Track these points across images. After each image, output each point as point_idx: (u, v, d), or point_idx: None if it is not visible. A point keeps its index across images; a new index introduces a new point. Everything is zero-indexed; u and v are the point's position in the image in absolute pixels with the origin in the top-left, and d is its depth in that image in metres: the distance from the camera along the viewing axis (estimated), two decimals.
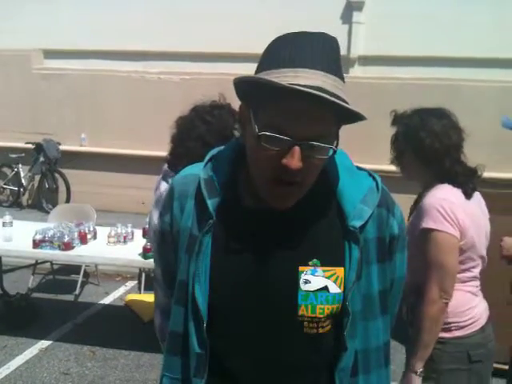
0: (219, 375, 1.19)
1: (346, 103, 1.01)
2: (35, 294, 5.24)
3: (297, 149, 1.02)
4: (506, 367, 3.55)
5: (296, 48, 1.03)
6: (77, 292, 5.19)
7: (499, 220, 3.86)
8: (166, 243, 1.30)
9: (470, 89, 6.98)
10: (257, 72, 1.08)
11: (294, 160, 1.02)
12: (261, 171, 1.08)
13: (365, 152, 6.14)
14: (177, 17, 7.91)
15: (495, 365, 3.87)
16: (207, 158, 1.26)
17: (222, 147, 1.28)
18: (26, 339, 4.32)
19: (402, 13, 7.29)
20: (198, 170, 1.23)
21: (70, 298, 5.18)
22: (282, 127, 1.02)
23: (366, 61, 7.66)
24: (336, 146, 1.07)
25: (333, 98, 0.96)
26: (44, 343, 4.33)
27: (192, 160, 2.10)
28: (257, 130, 1.03)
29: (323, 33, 1.06)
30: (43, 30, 8.39)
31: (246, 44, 7.23)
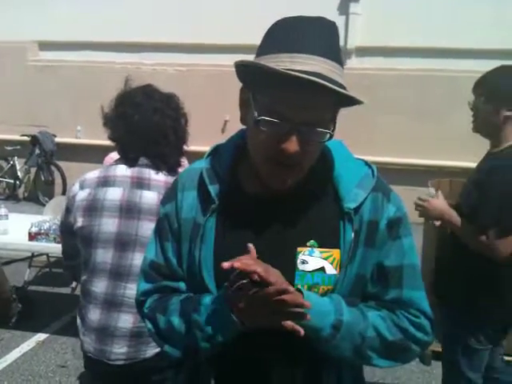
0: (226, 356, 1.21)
1: (344, 88, 1.03)
2: (32, 287, 5.24)
3: (294, 133, 1.05)
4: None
5: (294, 32, 1.05)
6: (73, 285, 5.16)
7: None
8: (161, 230, 1.32)
9: (468, 80, 6.86)
10: (257, 56, 1.10)
11: (292, 144, 1.06)
12: (260, 153, 1.12)
13: (362, 143, 6.13)
14: (172, 8, 7.87)
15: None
16: (210, 150, 1.30)
17: (224, 141, 1.31)
18: (22, 332, 4.32)
19: (399, 4, 7.26)
20: (201, 164, 1.28)
21: (66, 290, 5.16)
22: (280, 112, 1.05)
23: (363, 52, 7.64)
24: (333, 130, 1.09)
25: (329, 84, 0.98)
26: (41, 336, 4.32)
27: (170, 154, 2.06)
28: (256, 115, 1.07)
29: (322, 17, 1.08)
30: (38, 21, 8.34)
31: (242, 35, 7.19)
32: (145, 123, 2.05)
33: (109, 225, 2.03)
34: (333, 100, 1.06)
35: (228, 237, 1.20)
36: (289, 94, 1.02)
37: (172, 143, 2.09)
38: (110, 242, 2.03)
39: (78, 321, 2.17)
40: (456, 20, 7.07)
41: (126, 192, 2.02)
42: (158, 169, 2.06)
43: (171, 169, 2.08)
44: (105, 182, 2.07)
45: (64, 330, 4.41)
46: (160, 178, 2.04)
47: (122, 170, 2.07)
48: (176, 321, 1.22)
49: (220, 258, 1.17)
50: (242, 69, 1.11)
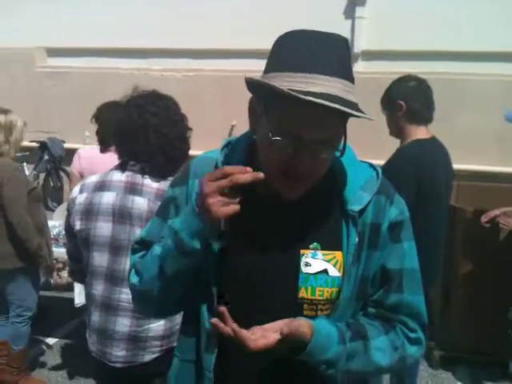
0: (228, 352, 1.23)
1: (356, 105, 1.06)
2: (41, 292, 5.24)
3: (307, 151, 1.07)
4: None
5: (309, 51, 1.05)
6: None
7: None
8: (163, 210, 1.34)
9: (474, 83, 6.94)
10: (267, 69, 1.11)
11: (303, 161, 1.08)
12: (271, 166, 1.13)
13: (368, 146, 6.14)
14: (179, 14, 7.91)
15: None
16: (223, 144, 1.31)
17: (237, 137, 1.32)
18: (31, 337, 4.33)
19: (404, 7, 7.26)
20: (215, 154, 1.29)
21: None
22: (293, 130, 1.06)
23: (369, 56, 7.64)
24: (344, 146, 1.13)
25: (345, 108, 1.00)
26: (50, 341, 4.35)
27: (153, 155, 2.04)
28: (270, 133, 1.08)
29: (335, 34, 1.09)
30: (46, 28, 8.39)
31: (248, 41, 7.22)
32: (133, 126, 2.06)
33: (103, 229, 2.06)
34: (344, 117, 1.09)
35: (233, 235, 1.20)
36: (302, 113, 1.04)
37: (164, 150, 2.07)
38: (104, 245, 2.07)
39: (86, 321, 2.20)
40: (461, 23, 7.06)
41: (118, 196, 2.05)
42: (149, 175, 2.06)
43: (164, 176, 2.07)
44: (101, 186, 2.10)
45: (73, 335, 4.44)
46: (152, 184, 2.04)
47: (118, 176, 2.10)
48: (156, 248, 1.25)
49: (223, 254, 1.21)
50: (253, 84, 1.13)
